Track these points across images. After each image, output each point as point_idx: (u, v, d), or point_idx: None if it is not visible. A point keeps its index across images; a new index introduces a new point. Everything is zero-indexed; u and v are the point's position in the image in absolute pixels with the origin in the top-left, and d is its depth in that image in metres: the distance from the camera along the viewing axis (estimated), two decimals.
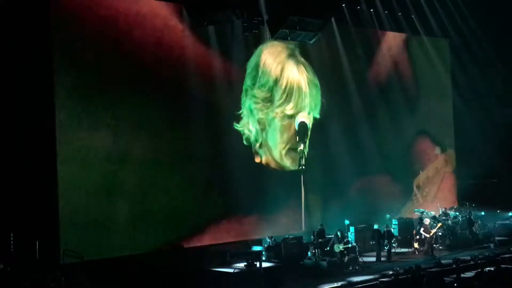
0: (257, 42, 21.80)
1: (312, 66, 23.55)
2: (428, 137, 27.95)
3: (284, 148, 22.85)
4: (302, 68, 23.16)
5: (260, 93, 22.10)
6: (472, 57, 27.40)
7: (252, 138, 22.03)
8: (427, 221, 22.91)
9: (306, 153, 23.31)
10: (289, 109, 22.75)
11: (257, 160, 22.20)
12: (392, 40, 26.36)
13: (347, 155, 24.39)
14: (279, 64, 22.51)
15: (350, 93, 24.73)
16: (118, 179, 19.00)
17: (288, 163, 22.99)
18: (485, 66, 27.58)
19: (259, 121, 22.16)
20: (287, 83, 22.65)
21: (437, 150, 27.87)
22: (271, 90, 22.34)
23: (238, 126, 21.62)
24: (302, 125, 23.39)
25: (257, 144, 22.18)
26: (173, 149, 20.14)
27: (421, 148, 27.65)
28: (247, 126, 21.83)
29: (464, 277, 16.07)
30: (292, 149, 22.98)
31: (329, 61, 24.21)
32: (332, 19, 22.46)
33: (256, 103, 22.04)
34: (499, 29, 26.85)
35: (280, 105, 22.51)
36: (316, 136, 23.77)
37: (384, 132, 26.06)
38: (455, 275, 16.38)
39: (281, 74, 22.54)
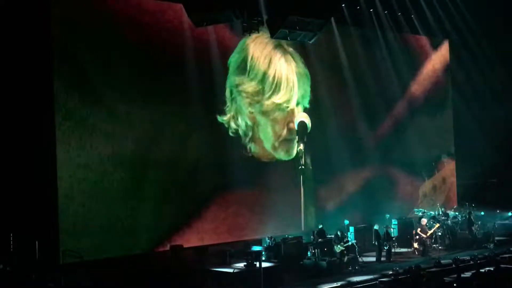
0: None
1: (312, 65, 23.63)
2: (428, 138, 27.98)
3: (277, 140, 22.80)
4: (289, 57, 23.13)
5: (250, 88, 22.00)
6: (472, 57, 27.41)
7: (241, 132, 21.89)
8: (424, 221, 22.91)
9: (305, 153, 23.37)
10: (277, 99, 22.67)
11: (247, 153, 22.04)
12: (392, 40, 26.36)
13: (347, 155, 24.44)
14: (266, 56, 22.46)
15: (350, 93, 24.75)
16: (118, 179, 19.02)
17: (282, 154, 22.96)
18: (485, 66, 27.58)
19: (248, 117, 22.02)
20: (275, 74, 22.60)
21: (444, 156, 27.57)
22: (261, 83, 22.29)
23: (223, 119, 21.42)
24: (302, 124, 23.42)
25: (247, 138, 22.06)
26: (171, 151, 20.16)
27: (423, 148, 27.65)
28: (235, 121, 21.67)
29: (464, 277, 16.03)
30: (285, 140, 22.95)
31: (329, 61, 24.28)
32: (332, 19, 22.48)
33: (246, 97, 21.92)
34: (499, 29, 26.85)
35: (269, 97, 22.44)
36: (316, 135, 23.80)
37: (384, 132, 26.08)
38: (455, 275, 16.36)
39: (269, 66, 22.49)
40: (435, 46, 27.99)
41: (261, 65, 22.30)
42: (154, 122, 19.80)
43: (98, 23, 18.66)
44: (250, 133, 22.11)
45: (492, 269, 16.16)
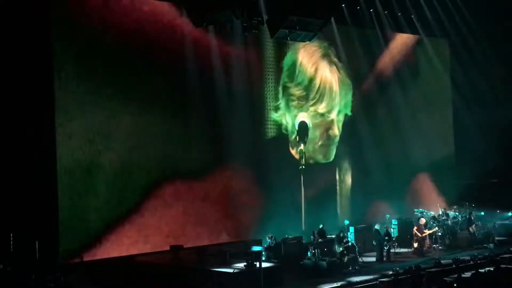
0: (258, 42, 21.84)
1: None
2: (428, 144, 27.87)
3: (316, 143, 23.88)
4: (334, 68, 24.32)
5: (296, 91, 23.32)
6: (472, 57, 27.39)
7: (290, 129, 23.10)
8: (422, 221, 22.85)
9: (305, 153, 23.42)
10: (321, 108, 23.90)
11: (293, 152, 23.22)
12: (393, 40, 26.32)
13: (347, 155, 24.46)
14: (313, 65, 23.76)
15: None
16: (119, 180, 19.02)
17: (320, 157, 24.14)
18: (485, 66, 27.56)
19: (295, 117, 23.24)
20: (320, 83, 23.81)
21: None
22: (306, 89, 23.50)
23: (276, 116, 22.75)
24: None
25: (293, 136, 23.21)
26: (172, 153, 20.17)
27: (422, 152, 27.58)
28: (285, 118, 23.01)
29: (464, 277, 16.02)
30: (323, 145, 24.12)
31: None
32: (332, 19, 22.49)
33: (292, 100, 23.21)
34: (499, 29, 26.84)
35: (313, 104, 23.66)
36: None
37: (384, 132, 26.09)
38: (455, 275, 16.34)
39: (315, 74, 23.75)
40: (433, 46, 27.98)
41: (308, 72, 23.60)
42: (154, 124, 19.78)
43: (99, 24, 18.65)
44: (296, 132, 23.30)
45: (492, 269, 16.14)
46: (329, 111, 24.13)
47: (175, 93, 20.24)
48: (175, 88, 20.20)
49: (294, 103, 23.28)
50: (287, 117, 23.13)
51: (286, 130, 23.19)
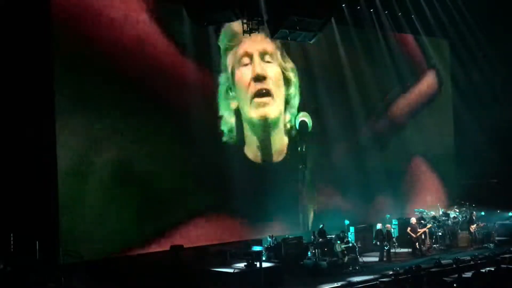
0: None
1: (312, 64, 23.57)
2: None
3: (250, 98, 22.23)
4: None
5: (225, 82, 21.73)
6: (472, 57, 27.40)
7: (234, 133, 21.79)
8: (413, 220, 22.83)
9: (306, 153, 23.39)
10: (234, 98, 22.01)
11: (247, 153, 22.13)
12: (392, 40, 26.34)
13: (347, 155, 24.47)
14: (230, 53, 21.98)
15: (350, 93, 24.75)
16: (118, 181, 19.03)
17: (254, 114, 22.36)
18: (485, 66, 27.57)
19: (234, 113, 21.83)
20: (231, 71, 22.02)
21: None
22: (228, 80, 21.84)
23: (222, 126, 21.49)
24: (303, 124, 23.43)
25: (233, 135, 21.81)
26: (170, 159, 20.19)
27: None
28: (228, 123, 21.62)
29: (464, 277, 16.02)
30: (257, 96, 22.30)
31: (329, 61, 24.27)
32: (332, 19, 22.48)
33: (225, 92, 21.65)
34: (499, 29, 26.85)
35: (233, 98, 21.92)
36: (316, 135, 23.80)
37: (384, 132, 26.10)
38: (455, 275, 16.35)
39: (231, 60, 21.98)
40: (433, 46, 27.99)
41: (228, 62, 21.87)
42: (153, 130, 19.79)
43: (99, 24, 18.64)
44: (240, 134, 21.89)
45: (492, 269, 16.15)
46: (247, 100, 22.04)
47: (175, 105, 20.16)
48: (175, 99, 20.15)
49: (228, 95, 21.59)
50: (231, 120, 21.68)
51: (233, 138, 21.72)
